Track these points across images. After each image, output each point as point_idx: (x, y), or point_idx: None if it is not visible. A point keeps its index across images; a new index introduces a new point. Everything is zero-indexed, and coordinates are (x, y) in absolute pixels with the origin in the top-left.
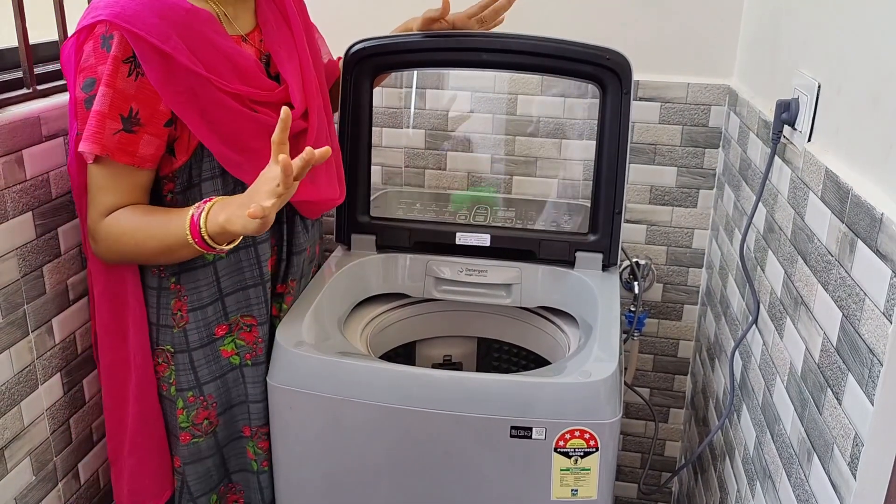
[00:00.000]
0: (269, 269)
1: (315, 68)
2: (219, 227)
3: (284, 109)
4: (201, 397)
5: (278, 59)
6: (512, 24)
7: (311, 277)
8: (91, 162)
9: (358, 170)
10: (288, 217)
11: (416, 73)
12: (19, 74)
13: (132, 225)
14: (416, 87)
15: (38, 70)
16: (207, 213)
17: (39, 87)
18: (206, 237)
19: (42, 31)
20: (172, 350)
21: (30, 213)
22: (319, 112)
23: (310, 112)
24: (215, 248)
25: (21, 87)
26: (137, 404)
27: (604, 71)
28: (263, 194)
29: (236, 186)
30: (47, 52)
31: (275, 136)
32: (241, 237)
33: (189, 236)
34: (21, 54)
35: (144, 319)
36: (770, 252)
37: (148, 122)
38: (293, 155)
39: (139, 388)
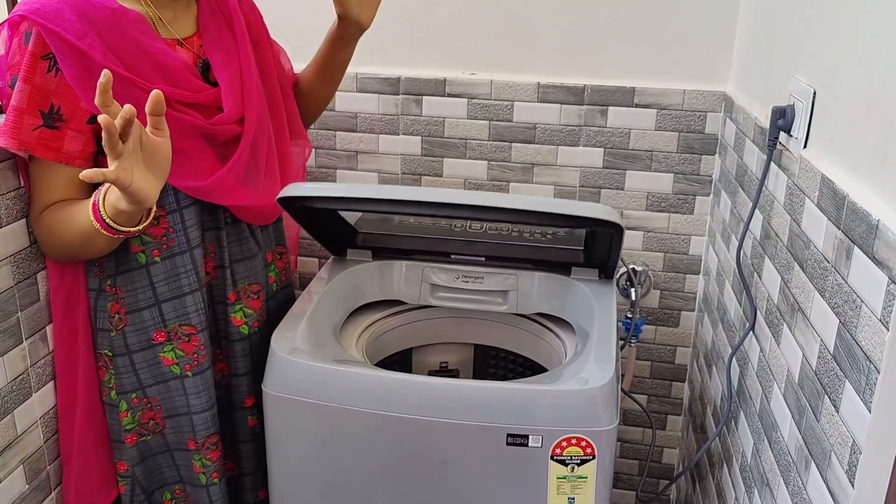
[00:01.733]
0: (207, 275)
1: (263, 77)
2: (112, 207)
3: (156, 93)
4: (145, 399)
5: (215, 64)
6: (510, 39)
7: (285, 283)
8: (19, 156)
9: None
10: (227, 222)
11: (403, 78)
12: None
13: (56, 218)
14: (413, 94)
15: None
16: (104, 195)
17: None
18: (107, 220)
19: None
20: (111, 354)
21: (23, 219)
22: (261, 119)
23: (246, 118)
24: (122, 231)
25: None
26: (83, 405)
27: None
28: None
29: (168, 193)
30: None
31: (97, 100)
32: (148, 216)
33: (94, 222)
34: None
35: (89, 321)
36: (767, 258)
37: (70, 117)
38: (224, 158)
39: (84, 389)
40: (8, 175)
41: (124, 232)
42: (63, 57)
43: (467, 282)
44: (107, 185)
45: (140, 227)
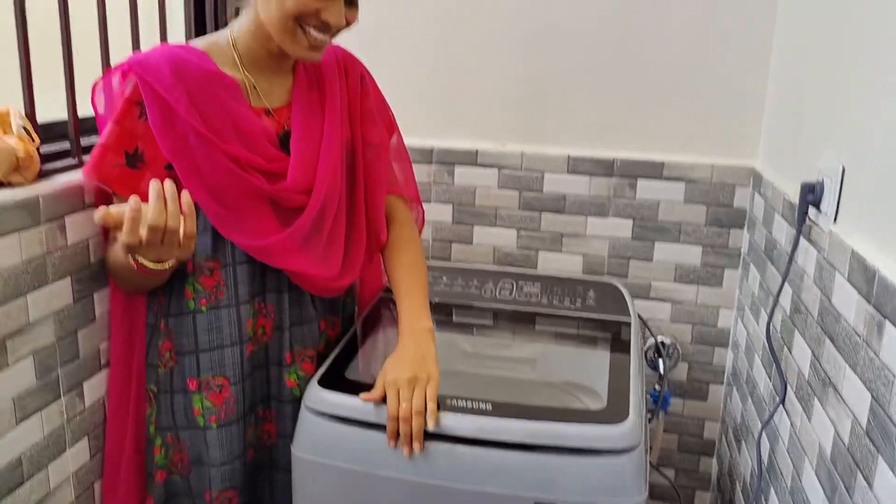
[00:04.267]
0: (252, 330)
1: (354, 153)
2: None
3: (159, 184)
4: (177, 440)
5: (295, 135)
6: (541, 112)
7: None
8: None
9: None
10: (290, 286)
11: (437, 148)
12: (67, 145)
13: (115, 248)
14: (445, 164)
15: (84, 142)
16: None
17: (86, 158)
18: (138, 258)
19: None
20: (156, 390)
21: (68, 277)
22: (331, 194)
23: (315, 191)
24: (149, 269)
25: (68, 157)
26: (134, 434)
27: None
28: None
29: (226, 247)
30: (92, 125)
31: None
32: (170, 261)
33: (129, 259)
34: (69, 127)
35: (144, 355)
36: (797, 332)
37: (151, 161)
38: (288, 223)
39: (135, 418)
40: (56, 234)
41: (150, 270)
42: (150, 105)
43: (496, 348)
44: None
45: (167, 268)
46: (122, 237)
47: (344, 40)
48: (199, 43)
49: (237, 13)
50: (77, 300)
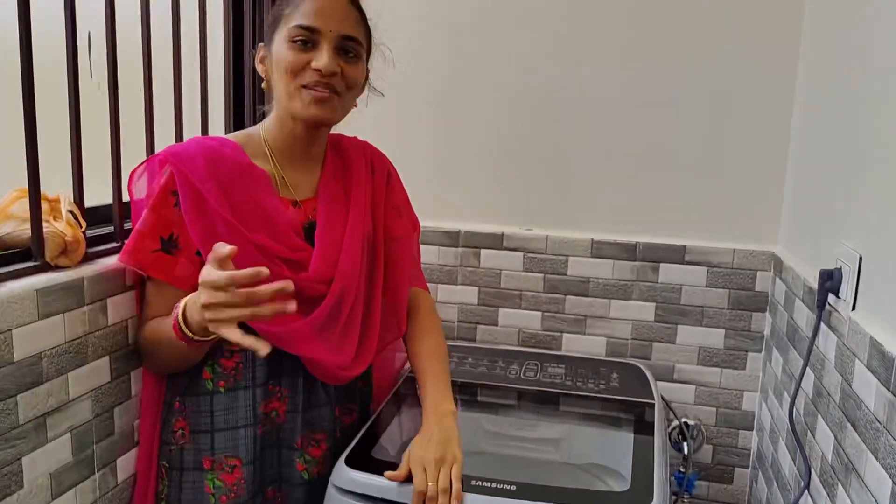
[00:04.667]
0: (263, 412)
1: (375, 246)
2: (191, 315)
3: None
4: None
5: (319, 226)
6: (566, 197)
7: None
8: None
9: None
10: (305, 371)
11: (463, 231)
12: (110, 229)
13: (152, 328)
14: (471, 247)
15: (128, 225)
16: (184, 307)
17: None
18: (182, 326)
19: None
20: (168, 466)
21: (107, 356)
22: (349, 286)
23: (334, 282)
24: (195, 340)
25: (111, 241)
26: None
27: None
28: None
29: (247, 331)
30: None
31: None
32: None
33: (174, 333)
34: (114, 212)
35: (159, 431)
36: (820, 417)
37: (185, 247)
38: (307, 311)
39: (152, 494)
40: (98, 315)
41: (196, 341)
42: (184, 194)
43: (520, 429)
44: (184, 301)
45: (210, 338)
46: (222, 281)
47: (375, 129)
48: (235, 136)
49: (264, 115)
50: (114, 378)
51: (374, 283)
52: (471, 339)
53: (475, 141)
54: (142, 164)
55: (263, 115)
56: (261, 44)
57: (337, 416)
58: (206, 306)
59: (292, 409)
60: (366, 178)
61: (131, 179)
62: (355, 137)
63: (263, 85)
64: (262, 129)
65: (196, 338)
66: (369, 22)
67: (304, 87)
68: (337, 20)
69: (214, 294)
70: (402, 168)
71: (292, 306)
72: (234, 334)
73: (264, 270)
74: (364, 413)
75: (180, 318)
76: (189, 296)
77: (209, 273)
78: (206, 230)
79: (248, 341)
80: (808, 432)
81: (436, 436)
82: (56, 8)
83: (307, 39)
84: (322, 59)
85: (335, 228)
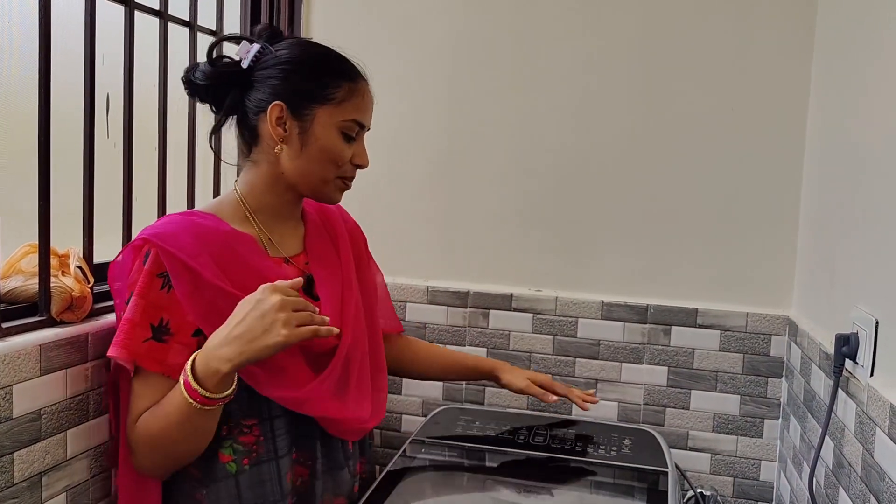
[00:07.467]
0: (291, 483)
1: (364, 294)
2: (206, 370)
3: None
4: None
5: (318, 280)
6: (575, 258)
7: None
8: (125, 366)
9: None
10: (322, 433)
11: (472, 292)
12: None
13: (149, 419)
14: (480, 308)
15: None
16: (192, 368)
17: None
18: (203, 392)
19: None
20: None
21: (108, 414)
22: (357, 334)
23: (343, 333)
24: (215, 398)
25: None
26: None
27: None
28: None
29: (261, 402)
30: None
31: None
32: (232, 382)
33: (186, 396)
34: None
35: None
36: (841, 489)
37: (177, 331)
38: (318, 369)
39: None
40: (101, 372)
41: (216, 399)
42: (176, 275)
43: (529, 496)
44: (192, 356)
45: (231, 391)
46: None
47: (386, 188)
48: (205, 207)
49: (237, 174)
50: (113, 437)
51: (373, 333)
52: (479, 402)
53: (484, 201)
54: (119, 253)
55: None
56: (278, 102)
57: (357, 473)
58: (283, 307)
59: (312, 473)
60: (343, 229)
61: (111, 272)
62: None
63: (277, 149)
64: (239, 191)
65: (211, 395)
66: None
67: (341, 177)
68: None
69: (290, 296)
70: (411, 227)
71: (336, 330)
72: (305, 330)
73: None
74: (371, 465)
75: (190, 377)
76: (197, 352)
77: (277, 285)
78: (206, 307)
79: (313, 328)
80: None
81: (528, 371)
82: (76, 66)
83: (356, 135)
84: (365, 156)
85: (333, 280)
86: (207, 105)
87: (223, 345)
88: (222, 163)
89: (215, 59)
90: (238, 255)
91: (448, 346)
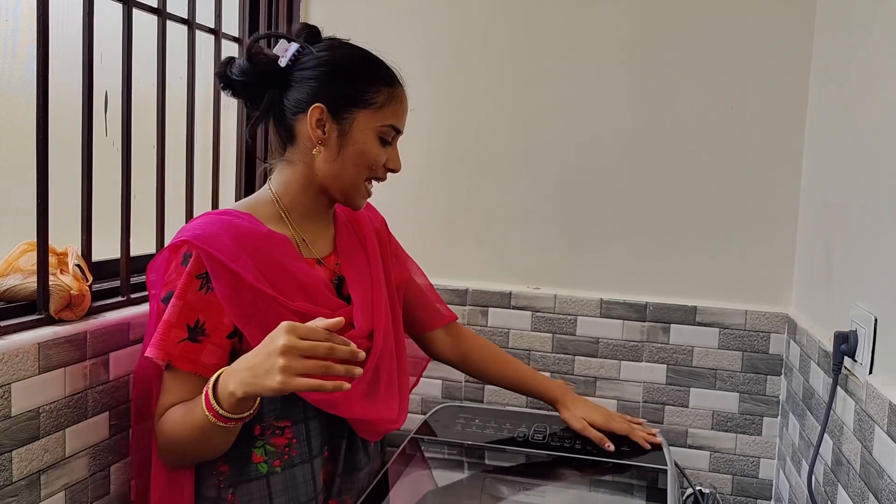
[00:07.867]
0: (322, 482)
1: (390, 293)
2: (226, 393)
3: (338, 320)
4: None
5: (349, 281)
6: (574, 256)
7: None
8: (162, 367)
9: None
10: (348, 433)
11: (471, 290)
12: (116, 283)
13: (176, 416)
14: (479, 305)
15: (134, 279)
16: (215, 384)
17: (133, 296)
18: (218, 409)
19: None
20: None
21: (106, 412)
22: (386, 335)
23: (375, 333)
24: (233, 418)
25: (116, 295)
26: None
27: None
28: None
29: (295, 404)
30: (142, 263)
31: (322, 322)
32: (254, 403)
33: (206, 413)
34: (121, 266)
35: None
36: (840, 486)
37: (213, 332)
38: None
39: None
40: (100, 370)
41: (231, 419)
42: (217, 276)
43: (528, 495)
44: (219, 371)
45: (249, 413)
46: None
47: (386, 186)
48: (240, 206)
49: (268, 172)
50: (112, 435)
51: (398, 333)
52: (478, 400)
53: (484, 198)
54: (162, 252)
55: (265, 172)
56: (318, 104)
57: (376, 471)
58: (285, 352)
59: (335, 472)
60: (372, 229)
61: (149, 272)
62: None
63: (315, 151)
64: (274, 191)
65: (226, 414)
66: None
67: (372, 178)
68: None
69: (298, 341)
70: (410, 225)
71: (359, 371)
72: (303, 382)
73: (352, 346)
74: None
75: (211, 393)
76: (223, 369)
77: (298, 326)
78: (246, 309)
79: (317, 382)
80: (829, 502)
81: (588, 404)
82: (74, 64)
83: (391, 139)
84: (398, 161)
85: (363, 281)
86: (243, 101)
87: (242, 370)
88: (220, 162)
89: (253, 56)
90: (274, 257)
91: None
